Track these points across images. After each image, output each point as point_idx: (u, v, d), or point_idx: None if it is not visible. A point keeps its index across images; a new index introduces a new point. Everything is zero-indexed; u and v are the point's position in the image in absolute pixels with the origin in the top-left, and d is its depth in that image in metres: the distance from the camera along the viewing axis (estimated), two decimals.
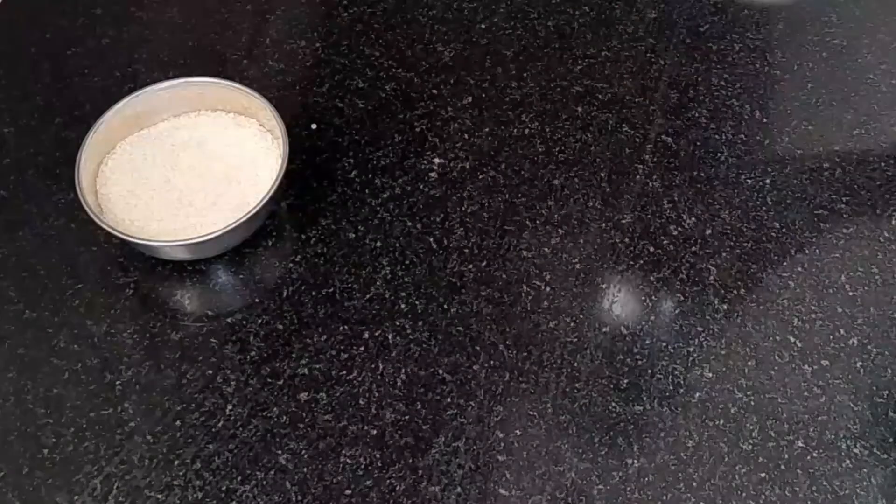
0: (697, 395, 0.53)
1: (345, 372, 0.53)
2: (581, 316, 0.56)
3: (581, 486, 0.49)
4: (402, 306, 0.56)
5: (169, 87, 0.60)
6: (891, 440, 0.51)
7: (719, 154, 0.64)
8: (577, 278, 0.58)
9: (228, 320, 0.55)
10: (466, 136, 0.65)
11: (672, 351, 0.55)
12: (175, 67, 0.68)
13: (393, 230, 0.60)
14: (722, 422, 0.52)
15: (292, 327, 0.55)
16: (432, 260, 0.58)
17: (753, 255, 0.59)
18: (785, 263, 0.58)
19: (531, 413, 0.52)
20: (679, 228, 0.60)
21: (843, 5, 0.74)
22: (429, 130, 0.65)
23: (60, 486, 0.49)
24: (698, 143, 0.65)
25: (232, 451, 0.50)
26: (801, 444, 0.51)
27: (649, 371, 0.54)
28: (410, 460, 0.50)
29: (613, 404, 0.52)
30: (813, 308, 0.56)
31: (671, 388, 0.53)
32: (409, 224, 0.60)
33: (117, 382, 0.53)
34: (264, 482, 0.49)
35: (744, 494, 0.49)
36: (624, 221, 0.61)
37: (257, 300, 0.56)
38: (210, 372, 0.53)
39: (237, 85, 0.60)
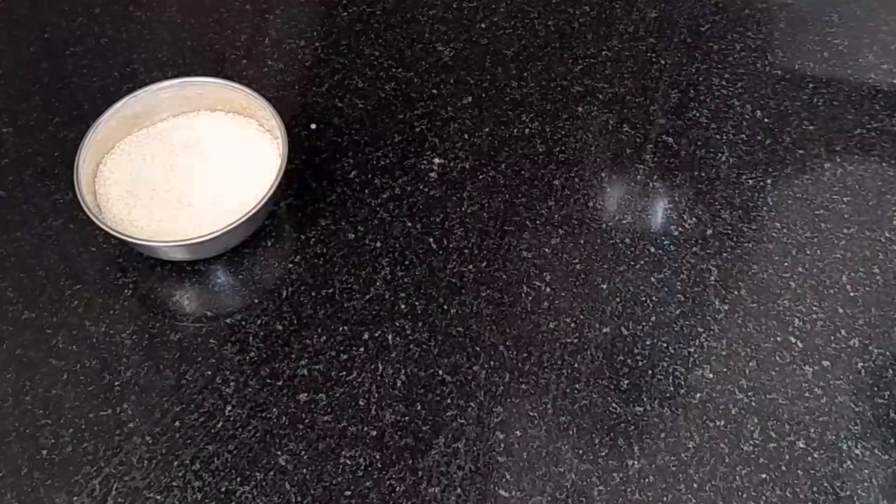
0: (698, 395, 0.53)
1: (344, 373, 0.53)
2: (581, 316, 0.56)
3: (581, 487, 0.49)
4: (402, 307, 0.56)
5: (168, 87, 0.60)
6: (892, 441, 0.51)
7: (720, 154, 0.64)
8: (577, 279, 0.58)
9: (228, 321, 0.55)
10: (466, 136, 0.65)
11: (673, 352, 0.54)
12: (174, 67, 0.68)
13: (392, 230, 0.60)
14: (723, 423, 0.52)
15: (292, 328, 0.55)
16: (432, 260, 0.58)
17: (754, 255, 0.59)
18: (786, 264, 0.58)
19: (531, 414, 0.52)
20: (680, 228, 0.60)
21: (845, 5, 0.74)
22: (429, 130, 0.65)
23: (59, 487, 0.49)
24: (699, 143, 0.64)
25: (231, 452, 0.50)
26: (802, 445, 0.51)
27: (650, 372, 0.54)
28: (410, 461, 0.50)
29: (614, 405, 0.52)
30: (814, 309, 0.56)
31: (672, 388, 0.53)
32: (409, 224, 0.60)
33: (116, 383, 0.53)
34: (264, 483, 0.49)
35: (744, 495, 0.49)
36: (624, 221, 0.60)
37: (256, 301, 0.56)
38: (209, 373, 0.53)
39: (236, 85, 0.60)
